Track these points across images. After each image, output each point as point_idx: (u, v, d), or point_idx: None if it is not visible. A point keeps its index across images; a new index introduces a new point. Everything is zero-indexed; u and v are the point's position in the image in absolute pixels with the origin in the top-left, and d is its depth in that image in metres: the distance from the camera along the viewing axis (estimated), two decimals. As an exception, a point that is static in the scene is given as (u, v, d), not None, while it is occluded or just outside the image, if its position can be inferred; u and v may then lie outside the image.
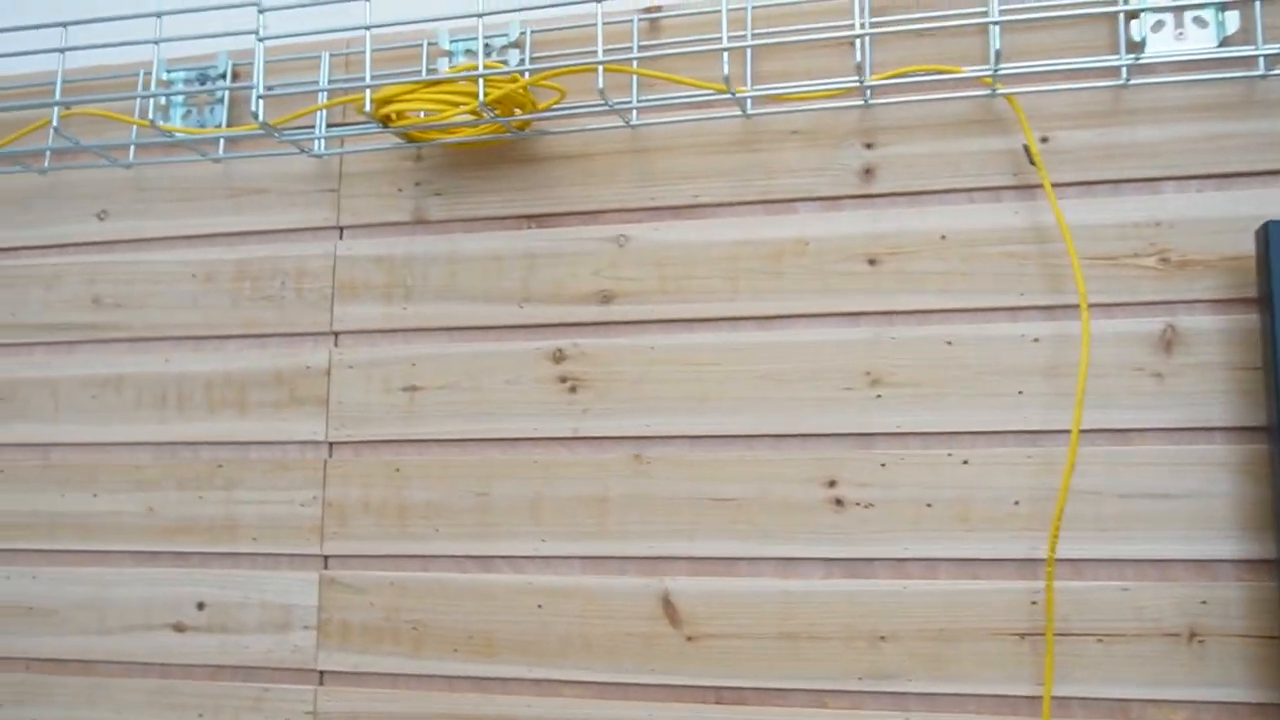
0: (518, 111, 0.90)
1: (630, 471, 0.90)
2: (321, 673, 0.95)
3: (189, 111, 1.04)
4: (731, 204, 0.92)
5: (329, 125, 1.00)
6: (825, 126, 0.90)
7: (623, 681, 0.88)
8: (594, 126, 0.94)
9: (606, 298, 0.93)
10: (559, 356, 0.93)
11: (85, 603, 1.01)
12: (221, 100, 1.02)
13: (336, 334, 1.00)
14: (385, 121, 0.89)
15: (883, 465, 0.85)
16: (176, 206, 1.05)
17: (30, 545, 1.04)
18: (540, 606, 0.91)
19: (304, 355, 1.00)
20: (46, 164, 1.06)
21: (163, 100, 1.04)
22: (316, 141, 0.99)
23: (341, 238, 1.01)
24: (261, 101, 0.89)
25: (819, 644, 0.85)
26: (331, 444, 0.98)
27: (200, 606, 0.99)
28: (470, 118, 0.86)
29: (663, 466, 0.90)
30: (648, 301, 0.92)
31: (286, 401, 0.99)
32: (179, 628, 0.99)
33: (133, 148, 1.05)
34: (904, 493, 0.85)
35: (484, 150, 0.97)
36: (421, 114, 0.88)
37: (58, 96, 0.96)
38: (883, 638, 0.84)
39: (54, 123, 0.95)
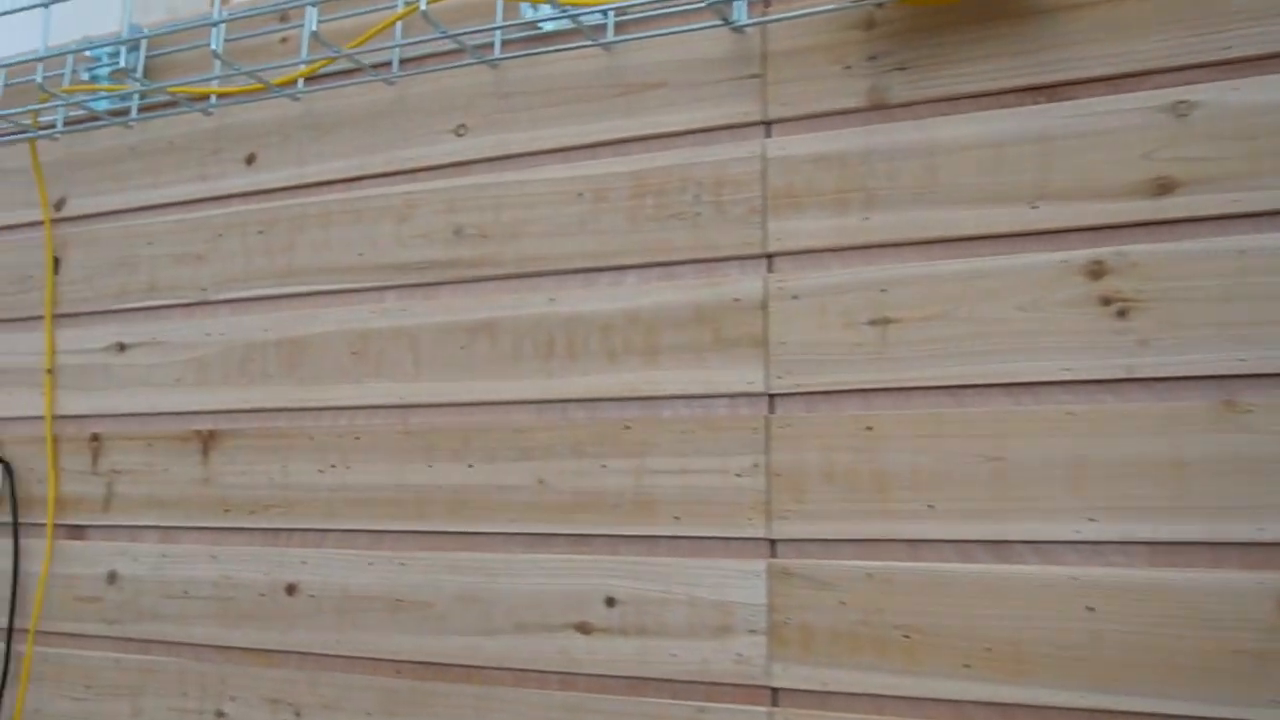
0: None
1: (1216, 424, 0.70)
2: (775, 690, 0.80)
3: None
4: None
5: (751, -9, 0.85)
6: None
7: (1223, 717, 0.69)
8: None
9: (1163, 187, 0.73)
10: (1097, 270, 0.75)
11: (466, 595, 0.91)
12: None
13: (771, 256, 0.84)
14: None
15: None
16: (552, 113, 0.93)
17: (395, 526, 0.94)
18: (1091, 610, 0.73)
19: (730, 285, 0.85)
20: (395, 70, 0.96)
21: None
22: (735, 7, 0.84)
23: (770, 134, 0.86)
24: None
25: None
26: (773, 396, 0.83)
27: (610, 602, 0.86)
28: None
29: (1268, 416, 0.69)
30: (1224, 188, 0.71)
31: (710, 344, 0.85)
32: (584, 628, 0.86)
33: (497, 38, 0.93)
34: None
35: (962, 6, 0.79)
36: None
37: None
38: None
39: (422, 5, 0.83)
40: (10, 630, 1.07)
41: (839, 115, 0.81)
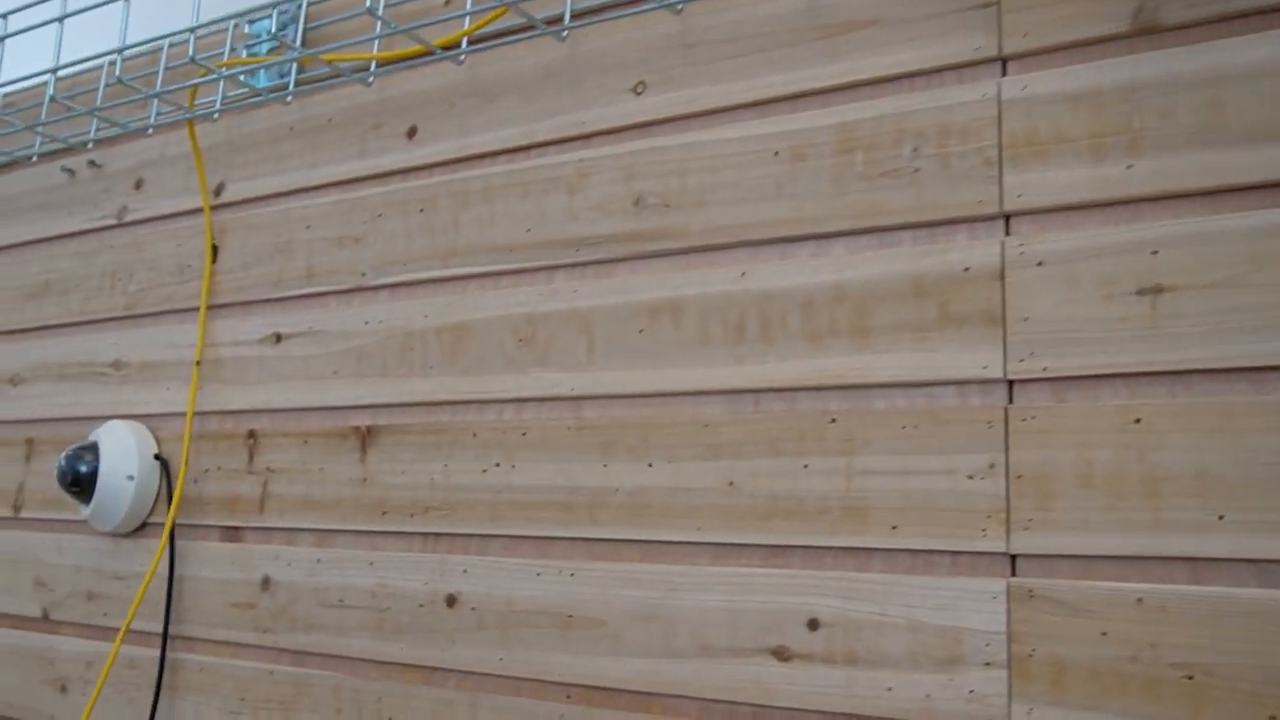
0: None
1: None
2: (1017, 736, 0.69)
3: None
4: None
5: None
6: None
7: None
8: None
9: None
10: None
11: (644, 612, 0.82)
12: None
13: (1009, 216, 0.73)
14: None
15: None
16: (743, 63, 0.84)
17: (565, 532, 0.87)
18: None
19: (958, 252, 0.74)
20: (567, 20, 0.89)
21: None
22: (966, -71, 0.74)
23: (1006, 72, 0.75)
24: None
25: None
26: (1013, 383, 0.72)
27: (813, 625, 0.76)
28: None
29: None
30: None
31: (933, 322, 0.74)
32: (781, 654, 0.77)
33: (685, -17, 0.85)
34: None
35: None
36: None
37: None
38: None
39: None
40: (166, 637, 1.05)
41: (1095, 45, 0.70)
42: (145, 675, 1.08)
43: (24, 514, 1.24)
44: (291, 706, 0.98)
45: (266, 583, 1.01)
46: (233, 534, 1.05)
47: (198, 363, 1.09)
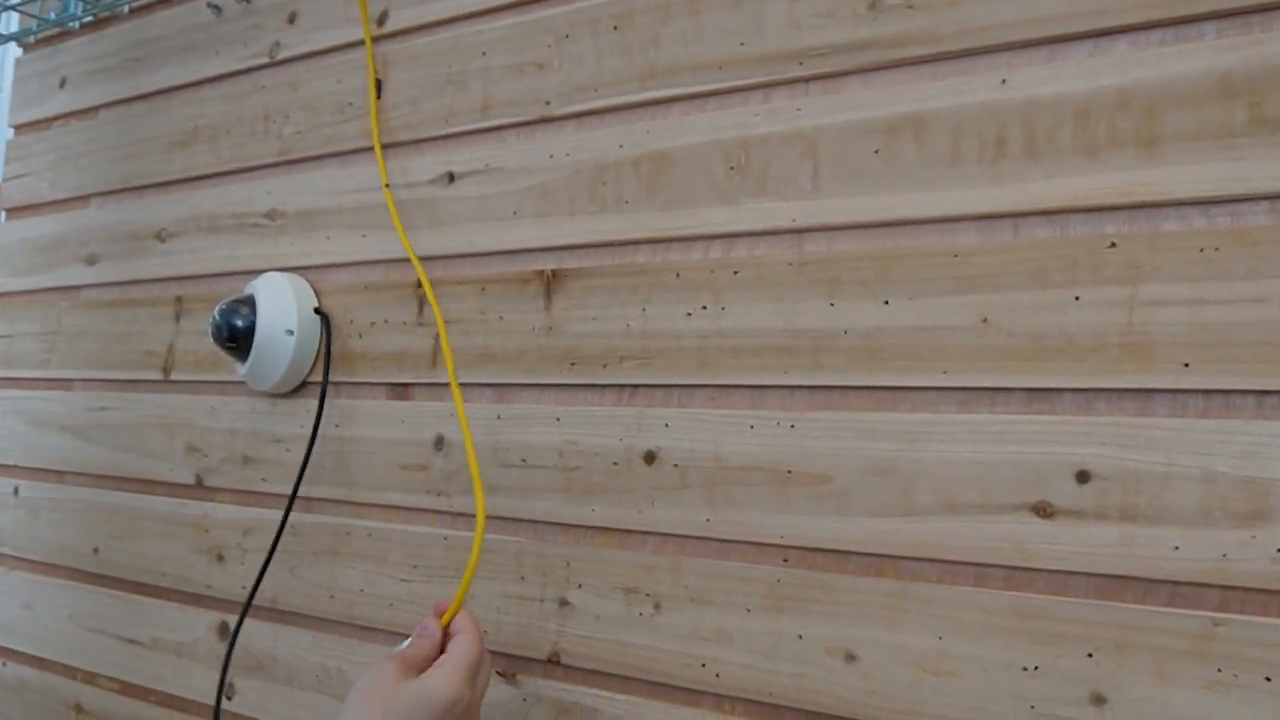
0: None
1: None
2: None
3: None
4: None
5: None
6: None
7: None
8: None
9: None
10: None
11: (878, 466, 0.79)
12: None
13: (1345, -2, 0.66)
14: None
15: None
16: None
17: (784, 380, 0.83)
18: None
19: (1277, 43, 0.68)
20: None
21: None
22: None
23: None
24: None
25: None
26: None
27: (1083, 477, 0.72)
28: None
29: None
30: None
31: (1242, 126, 0.68)
32: (1043, 510, 0.73)
33: None
34: None
35: None
36: None
37: None
38: None
39: None
40: (293, 499, 1.06)
41: None
42: (308, 543, 1.10)
43: (174, 376, 1.26)
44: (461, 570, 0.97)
45: (440, 443, 1.00)
46: (402, 391, 1.05)
47: (388, 189, 1.07)
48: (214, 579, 1.18)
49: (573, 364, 0.93)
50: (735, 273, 0.85)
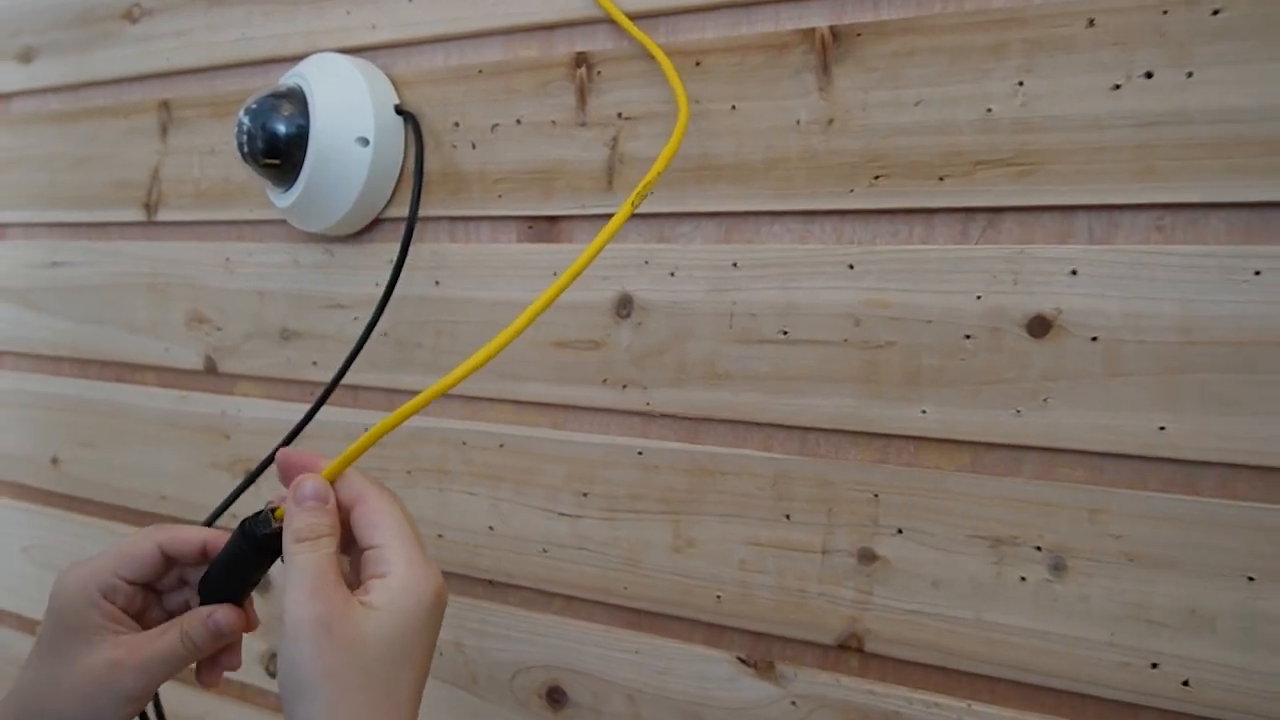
0: None
1: None
2: None
3: None
4: None
5: None
6: None
7: None
8: None
9: None
10: None
11: None
12: None
13: None
14: None
15: None
16: None
17: None
18: None
19: None
20: None
21: None
22: None
23: None
24: None
25: None
26: None
27: None
28: None
29: None
30: None
31: None
32: None
33: None
34: None
35: None
36: None
37: None
38: None
39: None
40: (332, 386, 0.67)
41: None
42: (397, 458, 0.76)
43: (162, 216, 0.86)
44: (688, 503, 0.62)
45: (624, 305, 0.63)
46: (547, 229, 0.67)
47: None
48: (242, 507, 0.80)
49: (877, 177, 0.56)
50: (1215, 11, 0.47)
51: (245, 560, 0.49)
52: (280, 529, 0.46)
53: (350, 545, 0.47)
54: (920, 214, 0.57)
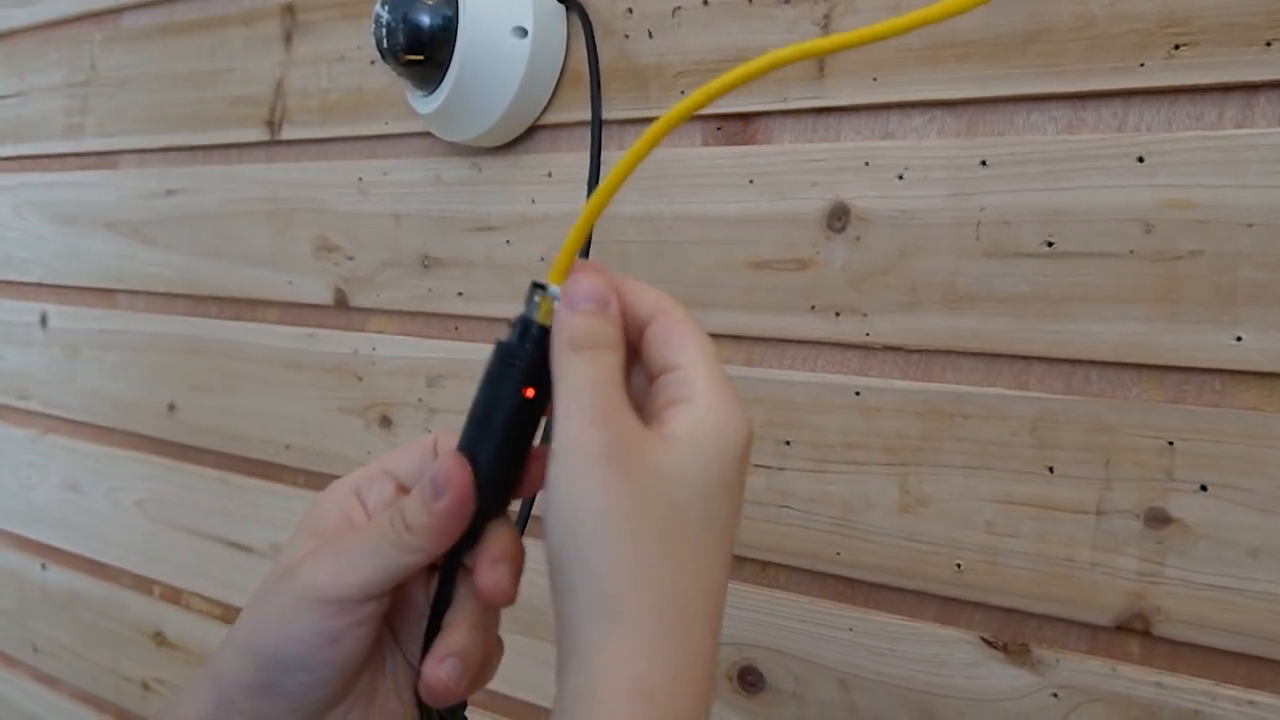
0: None
1: None
2: None
3: None
4: None
5: None
6: None
7: None
8: None
9: None
10: None
11: None
12: None
13: None
14: None
15: None
16: None
17: None
18: None
19: None
20: None
21: None
22: None
23: None
24: None
25: None
26: None
27: None
28: None
29: None
30: None
31: None
32: None
33: None
34: None
35: None
36: None
37: None
38: None
39: None
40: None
41: None
42: None
43: (287, 134, 0.77)
44: (920, 453, 0.52)
45: (838, 215, 0.52)
46: (740, 129, 0.56)
47: None
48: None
49: (1177, 46, 0.46)
50: None
51: (501, 390, 0.36)
52: (546, 330, 0.35)
53: (634, 373, 0.36)
54: (1238, 90, 0.46)
